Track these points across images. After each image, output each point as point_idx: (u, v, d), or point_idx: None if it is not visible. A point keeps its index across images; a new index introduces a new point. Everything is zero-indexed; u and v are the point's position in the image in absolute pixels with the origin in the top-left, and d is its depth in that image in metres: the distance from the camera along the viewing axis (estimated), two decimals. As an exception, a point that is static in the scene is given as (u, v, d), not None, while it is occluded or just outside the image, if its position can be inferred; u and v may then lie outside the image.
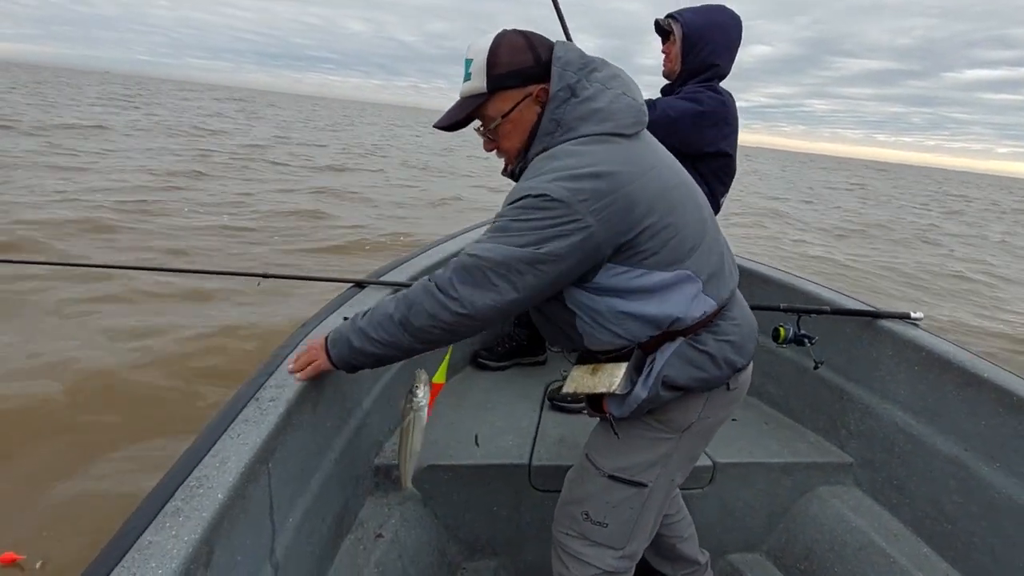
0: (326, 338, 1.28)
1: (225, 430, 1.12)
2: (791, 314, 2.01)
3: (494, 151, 1.27)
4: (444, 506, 1.84)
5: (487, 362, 2.51)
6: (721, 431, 2.14)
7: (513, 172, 1.28)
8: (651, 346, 1.24)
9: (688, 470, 1.45)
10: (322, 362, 1.28)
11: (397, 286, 1.88)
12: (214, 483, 0.98)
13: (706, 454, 2.00)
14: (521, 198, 1.10)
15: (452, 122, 1.22)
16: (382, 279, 1.89)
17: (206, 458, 1.04)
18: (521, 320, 2.56)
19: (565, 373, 1.49)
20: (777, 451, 2.09)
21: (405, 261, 2.07)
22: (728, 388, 1.33)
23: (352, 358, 1.24)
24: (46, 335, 3.98)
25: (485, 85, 1.17)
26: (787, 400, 2.35)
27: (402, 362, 1.95)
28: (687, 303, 1.20)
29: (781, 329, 1.94)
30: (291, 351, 1.40)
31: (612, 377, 1.25)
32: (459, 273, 1.12)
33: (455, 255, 1.60)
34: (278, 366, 1.34)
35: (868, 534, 1.86)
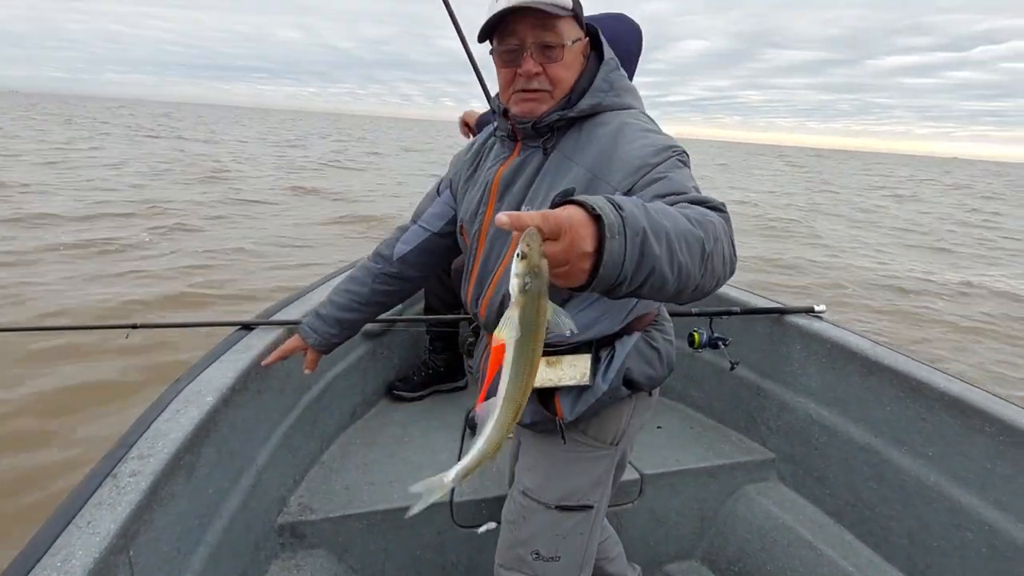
0: (593, 212, 0.68)
1: (72, 519, 0.94)
2: (703, 317, 2.02)
3: (534, 75, 1.08)
4: (361, 558, 1.69)
5: (403, 393, 2.37)
6: (647, 441, 2.13)
7: (533, 120, 1.11)
8: (608, 341, 1.18)
9: (618, 483, 1.39)
10: (577, 241, 0.66)
11: (291, 324, 1.73)
12: None
13: (634, 467, 1.96)
14: (673, 151, 1.03)
15: (538, 5, 1.02)
16: (272, 319, 1.73)
17: (44, 558, 0.87)
18: (437, 346, 2.44)
19: None
20: (703, 455, 2.08)
21: (298, 298, 1.91)
22: (649, 394, 1.29)
23: (631, 263, 0.70)
24: None
25: (571, 4, 1.07)
26: (709, 402, 2.36)
27: (304, 405, 1.81)
28: None
29: (695, 334, 1.93)
30: (160, 414, 1.23)
31: (576, 369, 1.16)
32: (731, 228, 0.89)
33: None
34: (142, 434, 1.16)
35: (795, 528, 1.87)
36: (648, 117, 1.16)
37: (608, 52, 1.16)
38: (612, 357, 1.18)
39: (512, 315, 0.69)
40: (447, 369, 2.45)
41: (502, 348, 0.72)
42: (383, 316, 2.31)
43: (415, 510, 0.79)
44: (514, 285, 0.66)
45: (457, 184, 1.33)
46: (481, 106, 2.52)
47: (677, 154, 1.03)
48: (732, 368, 1.96)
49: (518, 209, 1.11)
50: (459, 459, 1.92)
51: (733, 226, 0.90)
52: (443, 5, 2.53)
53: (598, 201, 0.69)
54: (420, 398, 2.39)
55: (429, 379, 2.42)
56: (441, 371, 2.44)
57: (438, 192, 1.40)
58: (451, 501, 1.75)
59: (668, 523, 2.00)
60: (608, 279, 0.68)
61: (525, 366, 0.71)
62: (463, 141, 2.30)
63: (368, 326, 2.22)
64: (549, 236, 0.65)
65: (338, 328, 1.43)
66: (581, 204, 0.68)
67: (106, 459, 1.10)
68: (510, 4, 1.04)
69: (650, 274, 0.71)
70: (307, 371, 1.46)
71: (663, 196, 0.93)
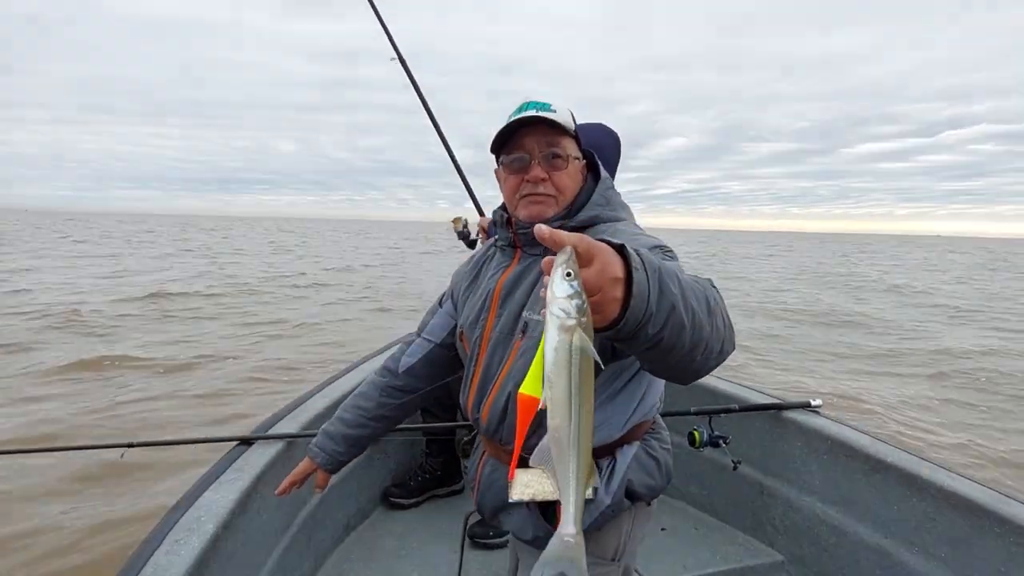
0: (620, 250, 0.71)
1: None
2: (702, 416, 2.02)
3: (540, 180, 1.17)
4: None
5: (399, 500, 2.30)
6: (651, 545, 2.07)
7: (530, 228, 1.11)
8: (607, 451, 1.16)
9: None
10: (608, 267, 0.68)
11: (290, 438, 1.70)
12: None
13: (638, 573, 1.89)
14: (662, 249, 1.07)
15: (550, 119, 1.14)
16: (271, 432, 1.70)
17: None
18: (434, 448, 2.40)
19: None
20: (709, 559, 2.01)
21: (295, 408, 1.89)
22: (648, 504, 1.26)
23: (653, 298, 0.71)
24: None
25: (572, 125, 1.19)
26: (712, 501, 2.32)
27: (300, 521, 1.74)
28: (658, 397, 1.22)
29: (696, 433, 1.92)
30: (160, 544, 1.18)
31: None
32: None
33: (349, 394, 1.45)
34: (140, 569, 1.11)
35: None
36: (639, 228, 1.23)
37: (603, 172, 1.26)
38: (613, 468, 1.17)
39: (562, 339, 0.64)
40: (444, 472, 2.39)
41: (533, 401, 0.72)
42: None
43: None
44: (566, 306, 0.63)
45: (458, 294, 1.37)
46: (463, 209, 2.71)
47: (665, 251, 1.09)
48: (735, 468, 1.94)
49: (519, 317, 1.16)
50: (460, 573, 1.85)
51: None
52: (431, 123, 2.69)
53: (612, 238, 0.72)
54: (417, 504, 2.32)
55: (426, 484, 2.36)
56: (439, 474, 2.38)
57: (440, 304, 1.44)
58: None
59: None
60: (637, 311, 0.69)
61: (587, 393, 0.66)
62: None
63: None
64: (582, 258, 0.65)
65: (345, 445, 1.43)
66: (603, 240, 0.70)
67: None
68: (522, 115, 1.15)
69: (671, 312, 0.72)
70: (317, 491, 1.44)
71: None
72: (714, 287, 0.89)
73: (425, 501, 2.34)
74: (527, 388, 0.87)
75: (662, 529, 2.19)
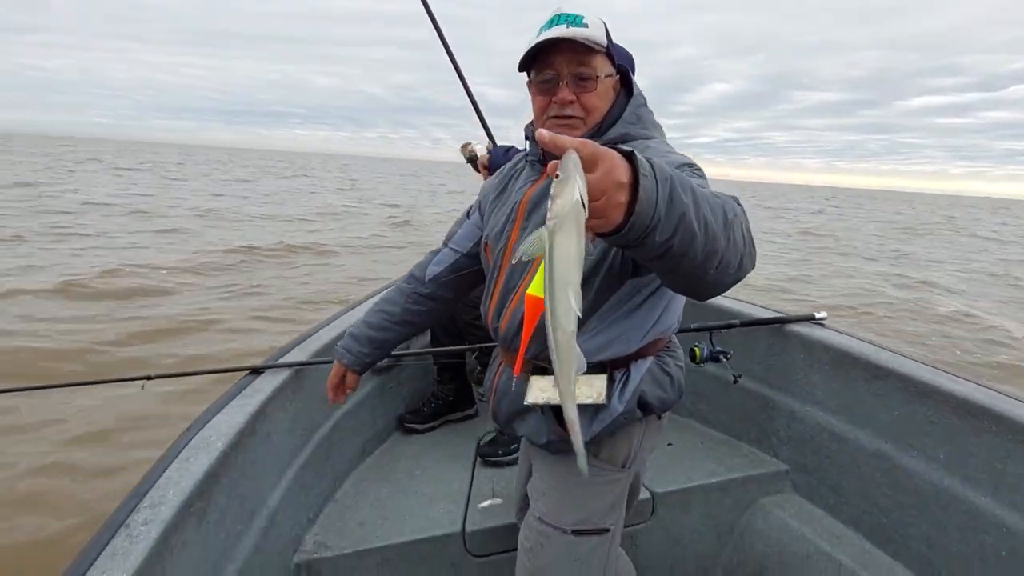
0: (628, 156, 0.71)
1: (86, 571, 0.98)
2: (703, 332, 2.03)
3: (568, 103, 1.17)
4: None
5: (414, 425, 2.40)
6: (658, 459, 2.13)
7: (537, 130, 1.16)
8: (623, 363, 1.21)
9: (633, 506, 1.41)
10: (614, 170, 0.68)
11: (299, 366, 1.77)
12: None
13: (645, 487, 1.96)
14: (690, 167, 1.07)
15: (579, 38, 1.11)
16: (281, 361, 1.77)
17: None
18: (445, 376, 2.47)
19: (496, 425, 1.41)
20: (714, 470, 2.07)
21: (305, 338, 1.96)
22: (659, 417, 1.32)
23: (663, 205, 0.71)
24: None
25: (605, 41, 1.16)
26: (717, 416, 2.36)
27: (315, 443, 1.84)
28: (675, 317, 1.25)
29: (696, 349, 1.94)
30: (171, 463, 1.27)
31: (592, 388, 1.18)
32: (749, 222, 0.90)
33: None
34: (154, 482, 1.20)
35: (812, 540, 1.85)
36: (670, 147, 1.22)
37: (636, 89, 1.25)
38: (627, 379, 1.21)
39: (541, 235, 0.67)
40: (456, 398, 2.48)
41: (540, 301, 0.75)
42: None
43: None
44: (567, 199, 0.64)
45: (485, 206, 1.40)
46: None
47: (694, 168, 1.09)
48: (735, 381, 1.97)
49: None
50: (470, 491, 1.95)
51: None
52: (444, 51, 2.63)
53: (628, 151, 0.71)
54: (431, 429, 2.41)
55: (439, 410, 2.44)
56: (451, 400, 2.47)
57: (467, 215, 1.48)
58: (463, 531, 1.76)
59: (683, 541, 1.99)
60: (644, 217, 0.69)
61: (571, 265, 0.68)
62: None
63: None
64: (586, 163, 0.66)
65: (370, 347, 1.50)
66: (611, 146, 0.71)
67: (119, 509, 1.13)
68: (550, 36, 1.13)
69: (680, 220, 0.72)
70: (346, 394, 1.55)
71: None
72: (738, 204, 0.88)
73: (439, 426, 2.43)
74: (534, 289, 0.94)
75: (668, 444, 2.25)
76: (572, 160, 0.65)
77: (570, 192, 0.64)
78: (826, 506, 1.96)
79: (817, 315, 2.09)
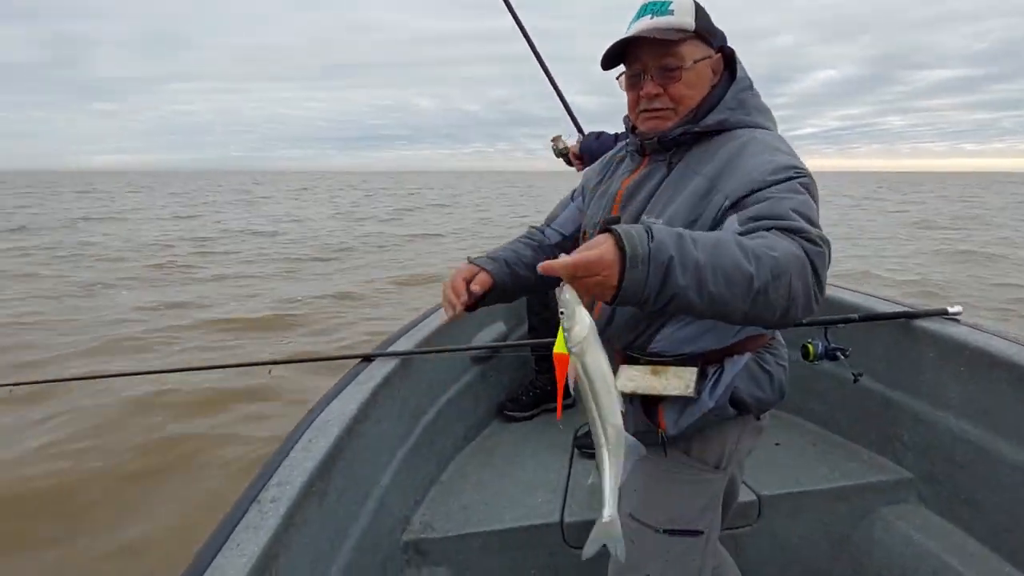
0: (620, 241, 0.81)
1: (224, 543, 1.09)
2: (817, 327, 1.90)
3: (655, 96, 1.15)
4: None
5: (513, 413, 2.45)
6: (764, 459, 2.04)
7: (655, 137, 1.17)
8: (716, 357, 1.18)
9: (731, 508, 1.37)
10: (605, 278, 0.81)
11: (406, 355, 1.86)
12: None
13: (749, 488, 1.88)
14: (795, 172, 1.03)
15: (655, 35, 1.10)
16: (390, 350, 1.88)
17: None
18: (543, 366, 2.51)
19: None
20: (827, 475, 1.95)
21: (412, 328, 2.05)
22: (758, 418, 1.26)
23: (654, 291, 0.82)
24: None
25: (694, 24, 1.12)
26: (832, 416, 2.21)
27: (421, 428, 1.93)
28: None
29: (809, 346, 1.82)
30: (295, 444, 1.39)
31: (681, 380, 1.15)
32: (820, 263, 0.93)
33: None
34: (280, 463, 1.32)
35: (941, 556, 1.70)
36: (779, 137, 1.16)
37: (742, 71, 1.20)
38: (720, 374, 1.17)
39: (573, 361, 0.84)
40: (554, 388, 2.50)
41: (566, 359, 0.87)
42: (488, 342, 2.42)
43: (588, 552, 0.91)
44: (579, 330, 0.82)
45: (588, 191, 1.41)
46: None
47: (798, 177, 1.03)
48: (855, 380, 1.83)
49: (638, 220, 1.16)
50: (568, 481, 1.96)
51: (826, 262, 0.93)
52: (534, 57, 2.64)
53: (629, 232, 0.82)
54: (530, 417, 2.46)
55: (538, 399, 2.48)
56: (548, 390, 2.49)
57: (571, 199, 1.50)
58: (562, 522, 1.79)
59: (792, 548, 1.90)
60: (629, 300, 0.83)
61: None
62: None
63: (475, 352, 2.33)
64: (580, 274, 0.81)
65: (502, 266, 1.39)
66: (615, 233, 0.82)
67: (252, 485, 1.26)
68: (627, 35, 1.13)
69: (672, 299, 0.83)
70: (476, 289, 1.34)
71: (757, 219, 0.97)
72: (812, 248, 0.91)
73: (538, 415, 2.47)
74: (559, 348, 1.00)
75: (776, 444, 2.15)
76: (568, 295, 0.81)
77: (580, 324, 0.81)
78: (958, 521, 1.79)
79: (951, 309, 1.89)
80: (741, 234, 0.94)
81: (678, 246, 0.82)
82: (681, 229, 0.87)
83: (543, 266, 0.82)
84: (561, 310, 0.81)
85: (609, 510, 0.88)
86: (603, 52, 1.17)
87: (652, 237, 0.82)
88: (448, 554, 1.75)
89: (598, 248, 0.81)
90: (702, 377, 1.16)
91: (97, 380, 4.32)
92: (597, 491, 1.93)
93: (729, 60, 1.20)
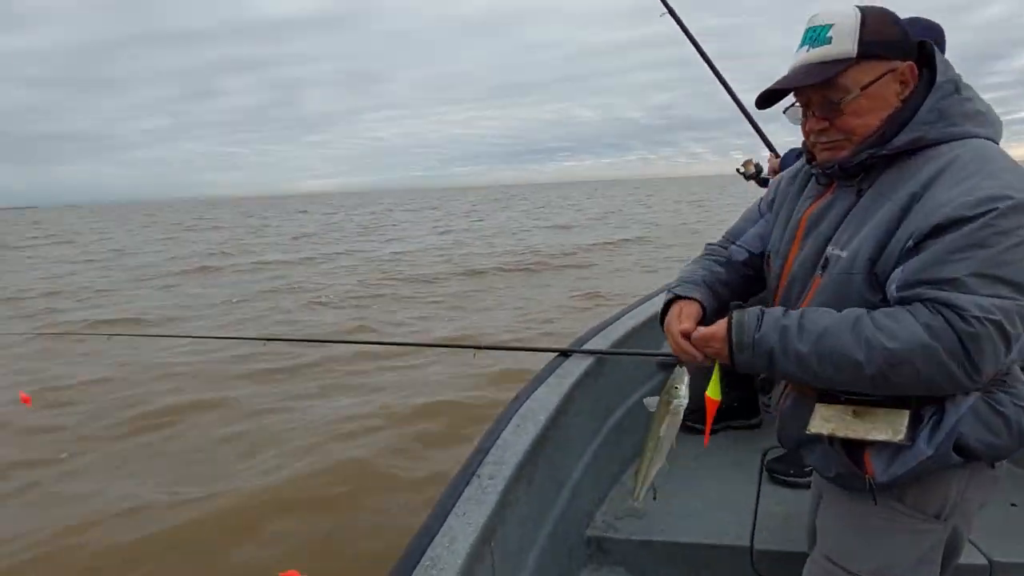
0: (730, 329, 1.06)
1: (451, 509, 1.21)
2: None
3: (821, 130, 1.09)
4: None
5: (696, 425, 2.38)
6: (997, 520, 1.77)
7: (835, 165, 1.09)
8: (935, 397, 1.04)
9: (952, 567, 1.21)
10: (717, 352, 1.11)
11: (600, 354, 1.90)
12: (445, 564, 1.06)
13: (979, 550, 1.65)
14: (992, 208, 0.90)
15: (800, 84, 1.06)
16: (585, 347, 1.93)
17: (437, 537, 1.13)
18: (731, 381, 2.40)
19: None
20: None
21: (606, 327, 2.09)
22: (991, 466, 1.11)
23: (764, 369, 1.05)
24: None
25: (855, 49, 1.02)
26: None
27: (608, 427, 1.97)
28: (1016, 347, 1.01)
29: None
30: (506, 425, 1.49)
31: (890, 425, 1.05)
32: (974, 345, 0.90)
33: (657, 315, 1.52)
34: (494, 442, 1.42)
35: None
36: (995, 150, 1.02)
37: (943, 75, 1.06)
38: (941, 418, 1.03)
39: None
40: (741, 406, 2.40)
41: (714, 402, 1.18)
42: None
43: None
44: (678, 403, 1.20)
45: (778, 206, 1.32)
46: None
47: (997, 213, 0.90)
48: None
49: (822, 252, 1.11)
50: (756, 505, 1.88)
51: (985, 342, 0.89)
52: (711, 71, 2.53)
53: (741, 321, 1.05)
54: (713, 432, 2.38)
55: (722, 414, 2.38)
56: (734, 407, 2.39)
57: (760, 212, 1.39)
58: (751, 547, 1.72)
59: None
60: (747, 372, 1.10)
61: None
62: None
63: (662, 359, 2.31)
64: (701, 347, 1.14)
65: (699, 283, 1.33)
66: (731, 320, 1.06)
67: (470, 461, 1.38)
68: (778, 82, 1.10)
69: (786, 375, 1.05)
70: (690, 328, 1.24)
71: (911, 286, 0.95)
72: (949, 330, 0.89)
73: (721, 431, 2.39)
74: (711, 392, 1.18)
75: (1012, 505, 1.86)
76: (679, 377, 1.19)
77: (685, 395, 1.20)
78: None
79: None
80: (896, 300, 0.96)
81: (781, 338, 1.00)
82: (792, 318, 1.01)
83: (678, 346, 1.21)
84: (678, 383, 1.19)
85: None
86: (757, 95, 1.14)
87: (760, 327, 1.02)
88: (628, 557, 1.76)
89: (712, 328, 1.11)
90: (916, 421, 1.03)
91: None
92: (791, 520, 1.83)
93: (928, 59, 1.07)
